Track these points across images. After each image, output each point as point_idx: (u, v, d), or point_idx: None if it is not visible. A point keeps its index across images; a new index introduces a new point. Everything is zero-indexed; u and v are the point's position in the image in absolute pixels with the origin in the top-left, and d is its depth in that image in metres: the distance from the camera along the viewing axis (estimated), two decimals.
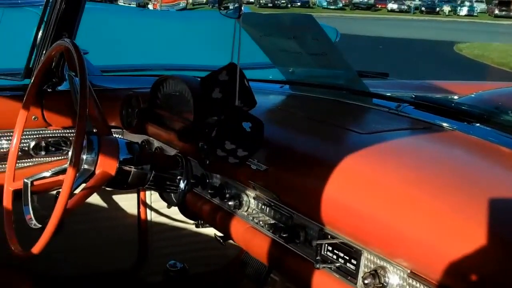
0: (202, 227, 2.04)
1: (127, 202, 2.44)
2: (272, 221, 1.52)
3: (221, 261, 2.57)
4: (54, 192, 2.23)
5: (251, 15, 2.06)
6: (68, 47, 1.65)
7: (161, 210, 2.47)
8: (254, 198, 1.60)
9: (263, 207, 1.57)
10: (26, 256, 1.63)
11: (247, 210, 1.62)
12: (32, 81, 1.88)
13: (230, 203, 1.65)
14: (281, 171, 1.45)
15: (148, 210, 2.46)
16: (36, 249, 1.57)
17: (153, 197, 2.44)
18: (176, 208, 2.09)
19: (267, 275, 2.21)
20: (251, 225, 1.60)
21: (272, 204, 1.52)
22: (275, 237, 1.50)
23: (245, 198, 1.63)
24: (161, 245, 2.51)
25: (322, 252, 1.35)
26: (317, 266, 1.34)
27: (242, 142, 1.41)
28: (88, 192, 1.68)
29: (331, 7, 45.97)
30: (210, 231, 2.39)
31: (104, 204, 2.40)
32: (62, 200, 1.49)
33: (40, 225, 1.68)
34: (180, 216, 2.44)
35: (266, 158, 1.47)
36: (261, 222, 1.55)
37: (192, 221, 2.09)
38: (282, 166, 1.45)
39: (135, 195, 2.45)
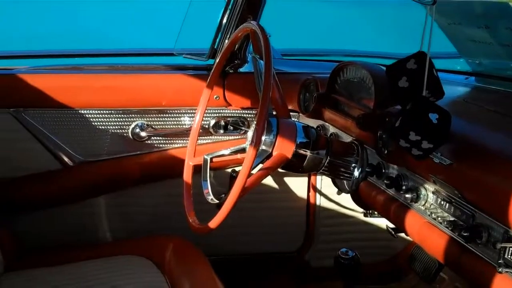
0: (370, 216, 2.01)
1: (297, 185, 2.46)
2: (452, 218, 1.45)
3: (388, 253, 2.53)
4: (229, 170, 2.32)
5: (441, 2, 1.98)
6: (255, 29, 1.67)
7: (330, 196, 2.46)
8: (432, 193, 1.54)
9: (442, 202, 1.50)
10: (202, 230, 1.68)
11: (424, 204, 1.56)
12: (217, 61, 1.95)
13: (406, 195, 1.59)
14: (467, 167, 1.37)
15: (317, 195, 2.47)
16: (213, 224, 1.61)
17: (323, 183, 2.44)
18: (345, 195, 2.07)
19: (436, 272, 2.13)
20: (427, 220, 1.54)
21: (453, 200, 1.45)
22: (453, 235, 1.43)
23: (423, 191, 1.57)
24: (328, 231, 2.52)
25: (506, 256, 1.27)
26: (500, 270, 1.26)
27: (428, 134, 1.35)
28: (265, 172, 1.70)
29: None
30: (377, 221, 2.36)
31: (274, 186, 2.44)
32: (241, 178, 1.52)
33: (217, 201, 1.73)
34: (348, 204, 2.44)
35: (450, 152, 1.40)
36: (439, 218, 1.49)
37: (360, 210, 2.06)
38: (468, 162, 1.37)
39: (305, 179, 2.47)
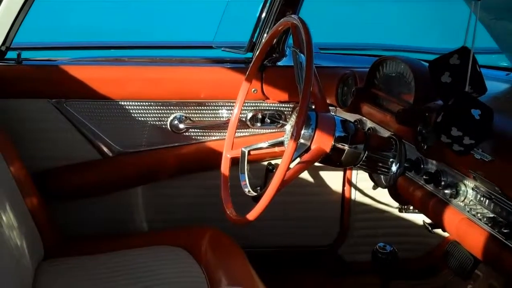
0: (405, 212, 2.00)
1: (332, 179, 2.47)
2: (491, 215, 1.44)
3: (422, 248, 2.52)
4: (265, 163, 2.33)
5: None
6: (296, 23, 1.68)
7: (365, 190, 2.46)
8: (472, 189, 1.53)
9: (482, 199, 1.49)
10: (240, 222, 1.70)
11: (463, 200, 1.56)
12: (256, 54, 1.96)
13: (446, 191, 1.59)
14: (508, 163, 1.36)
15: (352, 189, 2.47)
16: (251, 216, 1.62)
17: (358, 177, 2.44)
18: (380, 189, 2.06)
19: (471, 269, 2.11)
20: (466, 216, 1.53)
21: (493, 196, 1.44)
22: (493, 231, 1.42)
23: (462, 187, 1.56)
24: (362, 226, 2.52)
25: None
26: None
27: (470, 130, 1.35)
28: (303, 166, 1.70)
29: None
30: (412, 216, 2.36)
31: (310, 179, 2.45)
32: (280, 172, 1.53)
33: (254, 193, 1.75)
34: (383, 198, 2.43)
35: (492, 148, 1.39)
36: (478, 214, 1.48)
37: (395, 205, 2.06)
38: (509, 158, 1.36)
39: (341, 173, 2.47)
